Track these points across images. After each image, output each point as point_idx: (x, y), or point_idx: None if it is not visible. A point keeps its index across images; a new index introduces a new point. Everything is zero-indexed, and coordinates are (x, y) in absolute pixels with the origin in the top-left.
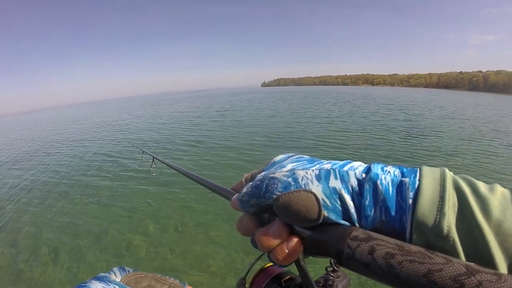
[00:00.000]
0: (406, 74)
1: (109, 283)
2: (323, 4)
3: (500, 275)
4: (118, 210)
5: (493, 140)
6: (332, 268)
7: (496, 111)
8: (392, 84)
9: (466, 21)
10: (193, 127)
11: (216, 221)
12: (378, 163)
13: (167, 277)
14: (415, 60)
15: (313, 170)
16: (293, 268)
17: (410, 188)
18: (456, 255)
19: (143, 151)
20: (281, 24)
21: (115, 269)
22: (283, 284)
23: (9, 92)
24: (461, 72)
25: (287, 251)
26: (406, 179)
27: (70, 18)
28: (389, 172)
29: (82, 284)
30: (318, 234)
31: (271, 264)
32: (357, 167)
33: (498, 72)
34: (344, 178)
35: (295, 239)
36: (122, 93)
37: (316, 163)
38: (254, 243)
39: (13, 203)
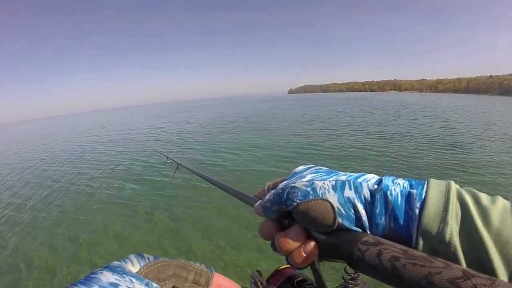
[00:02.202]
0: (434, 79)
1: (123, 275)
2: (349, 10)
3: (494, 280)
4: (140, 213)
5: None
6: (350, 276)
7: None
8: (420, 90)
9: (494, 23)
10: (225, 135)
11: (240, 227)
12: (389, 176)
13: (192, 262)
14: (442, 64)
15: (330, 181)
16: (306, 273)
17: (417, 199)
18: (458, 261)
19: (167, 157)
20: (307, 30)
21: (132, 256)
22: (295, 285)
23: (32, 98)
24: (491, 76)
25: (304, 254)
26: (414, 191)
27: (92, 24)
28: (398, 184)
29: (92, 275)
30: (333, 238)
31: (286, 266)
32: (370, 179)
33: None
34: (357, 189)
35: (312, 243)
36: (148, 99)
37: (333, 174)
38: (273, 246)
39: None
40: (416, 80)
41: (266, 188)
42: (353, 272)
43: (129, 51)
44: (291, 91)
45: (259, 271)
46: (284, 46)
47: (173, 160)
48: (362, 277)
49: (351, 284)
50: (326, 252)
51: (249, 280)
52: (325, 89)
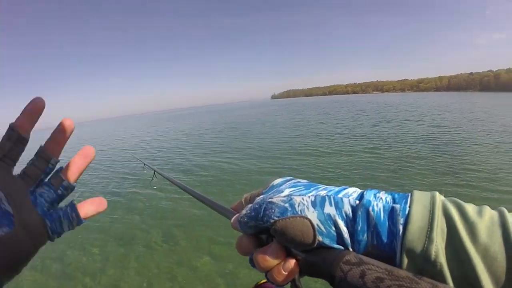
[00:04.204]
0: (415, 78)
1: None
2: (329, 12)
3: None
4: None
5: None
6: None
7: None
8: (402, 90)
9: (472, 21)
10: (205, 144)
11: (214, 238)
12: (371, 190)
13: None
14: (423, 64)
15: (309, 197)
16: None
17: (400, 215)
18: (444, 279)
19: (145, 164)
20: (288, 35)
21: None
22: None
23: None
24: (471, 73)
25: (283, 272)
26: (397, 206)
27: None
28: (381, 198)
29: None
30: (313, 256)
31: (265, 281)
32: (351, 194)
33: (509, 70)
34: (338, 205)
35: (292, 261)
36: (126, 111)
37: (312, 189)
38: (252, 262)
39: None
40: (398, 80)
41: (243, 200)
42: None
43: (105, 60)
44: (274, 97)
45: None
46: (266, 52)
47: (150, 167)
48: None
49: None
50: (306, 271)
51: None
52: (308, 93)
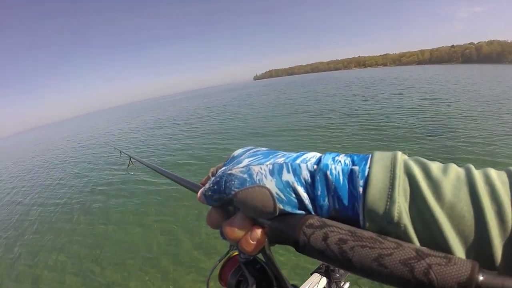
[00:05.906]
0: (397, 53)
1: None
2: None
3: (450, 258)
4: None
5: None
6: None
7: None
8: (384, 64)
9: None
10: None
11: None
12: (330, 153)
13: None
14: (404, 39)
15: (267, 165)
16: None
17: (360, 176)
18: (410, 240)
19: (121, 151)
20: (268, 15)
21: None
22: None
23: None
24: (452, 46)
25: (251, 241)
26: (356, 167)
27: (60, 31)
28: (339, 161)
29: None
30: (277, 223)
31: (237, 253)
32: (309, 159)
33: (490, 43)
34: (296, 171)
35: (258, 230)
36: (118, 101)
37: (271, 157)
38: (223, 235)
39: None
40: (380, 55)
41: (210, 174)
42: None
43: (88, 54)
44: (256, 77)
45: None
46: (246, 34)
47: (125, 154)
48: None
49: None
50: (274, 238)
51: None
52: (290, 72)
